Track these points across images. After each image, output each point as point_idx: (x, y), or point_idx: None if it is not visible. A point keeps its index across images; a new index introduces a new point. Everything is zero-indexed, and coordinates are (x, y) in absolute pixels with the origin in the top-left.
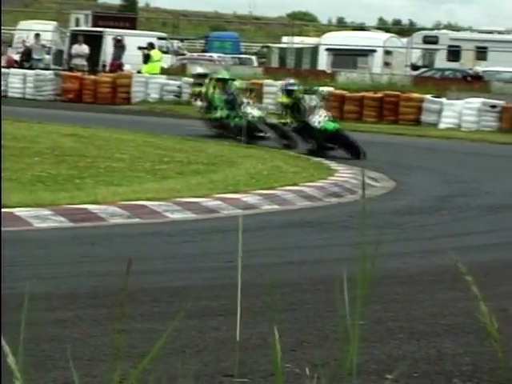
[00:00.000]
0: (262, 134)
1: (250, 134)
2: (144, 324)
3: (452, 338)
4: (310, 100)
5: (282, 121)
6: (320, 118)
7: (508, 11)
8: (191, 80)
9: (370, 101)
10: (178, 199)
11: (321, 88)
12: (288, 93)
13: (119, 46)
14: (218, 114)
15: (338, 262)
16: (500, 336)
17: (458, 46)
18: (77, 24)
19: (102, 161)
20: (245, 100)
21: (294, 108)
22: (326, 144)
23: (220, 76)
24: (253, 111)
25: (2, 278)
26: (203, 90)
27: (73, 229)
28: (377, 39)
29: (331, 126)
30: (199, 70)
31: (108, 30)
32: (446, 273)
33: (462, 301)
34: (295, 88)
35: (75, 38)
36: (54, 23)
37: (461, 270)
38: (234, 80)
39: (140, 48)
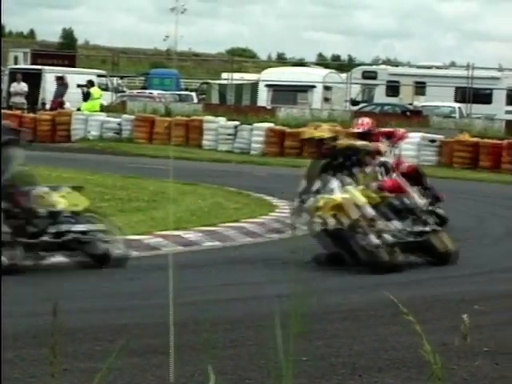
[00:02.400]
0: None
1: None
2: (86, 363)
3: (394, 373)
4: None
5: None
6: None
7: (445, 46)
8: (132, 117)
9: None
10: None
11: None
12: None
13: (61, 83)
14: None
15: (279, 299)
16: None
17: (396, 81)
18: (15, 62)
19: None
20: None
21: None
22: None
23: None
24: None
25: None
26: None
27: None
28: (316, 75)
29: None
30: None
31: (47, 67)
32: (386, 308)
33: (402, 335)
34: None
35: (14, 76)
36: None
37: (401, 309)
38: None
39: (79, 86)
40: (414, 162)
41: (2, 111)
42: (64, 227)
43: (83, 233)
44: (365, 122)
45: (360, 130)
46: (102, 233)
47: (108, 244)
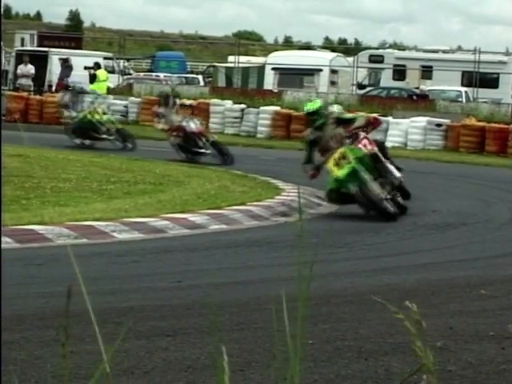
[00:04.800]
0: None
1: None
2: (93, 345)
3: (399, 357)
4: None
5: None
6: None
7: (452, 31)
8: (138, 99)
9: None
10: (125, 219)
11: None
12: None
13: (66, 65)
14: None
15: (285, 282)
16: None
17: (403, 65)
18: (22, 44)
19: (49, 181)
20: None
21: None
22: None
23: None
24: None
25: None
26: None
27: (19, 250)
28: (323, 58)
29: None
30: None
31: (54, 49)
32: (393, 291)
33: (408, 319)
34: None
35: (20, 58)
36: None
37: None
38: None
39: (86, 68)
40: (420, 145)
41: (8, 93)
42: None
43: None
44: None
45: None
46: None
47: None
